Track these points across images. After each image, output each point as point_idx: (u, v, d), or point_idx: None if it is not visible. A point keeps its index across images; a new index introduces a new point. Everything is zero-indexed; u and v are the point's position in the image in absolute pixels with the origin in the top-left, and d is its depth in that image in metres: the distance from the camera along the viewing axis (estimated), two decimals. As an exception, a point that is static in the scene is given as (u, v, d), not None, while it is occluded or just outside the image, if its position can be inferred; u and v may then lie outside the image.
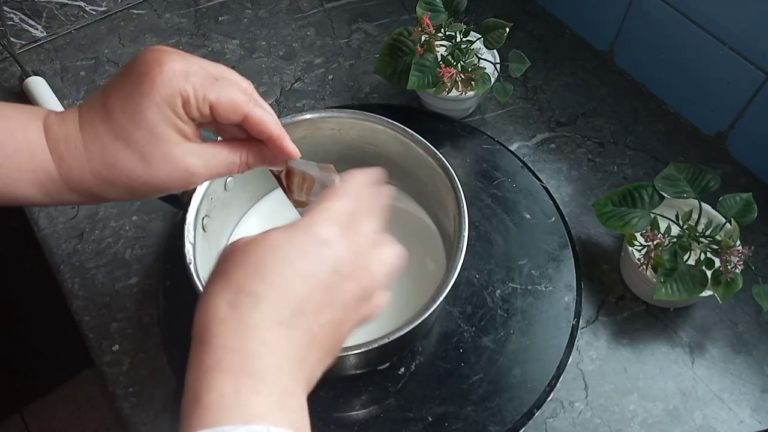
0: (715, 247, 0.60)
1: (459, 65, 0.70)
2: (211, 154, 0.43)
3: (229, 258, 0.37)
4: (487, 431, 0.57)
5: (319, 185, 0.46)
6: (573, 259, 0.67)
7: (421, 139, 0.61)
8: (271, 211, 0.68)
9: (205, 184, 0.58)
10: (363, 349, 0.50)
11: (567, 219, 0.70)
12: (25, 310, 1.18)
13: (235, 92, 0.42)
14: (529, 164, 0.74)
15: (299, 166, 0.47)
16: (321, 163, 0.45)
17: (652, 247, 0.60)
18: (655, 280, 0.60)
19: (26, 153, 0.41)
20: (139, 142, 0.40)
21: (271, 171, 0.49)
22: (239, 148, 0.44)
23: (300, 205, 0.49)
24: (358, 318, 0.39)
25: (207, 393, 0.32)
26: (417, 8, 0.72)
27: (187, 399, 0.33)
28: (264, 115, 0.43)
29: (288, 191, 0.49)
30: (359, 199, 0.40)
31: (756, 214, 0.62)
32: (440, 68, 0.69)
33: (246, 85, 0.44)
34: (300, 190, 0.48)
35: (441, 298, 0.52)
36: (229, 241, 0.66)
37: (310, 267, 0.36)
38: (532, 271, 0.66)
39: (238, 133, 0.45)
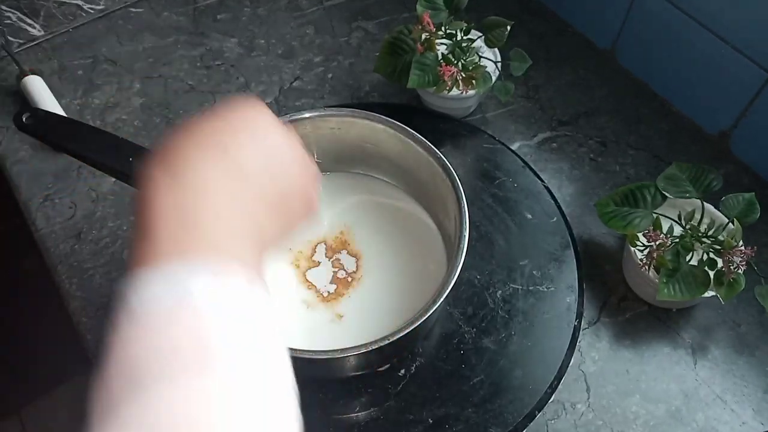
0: (718, 247, 0.60)
1: (460, 64, 0.70)
2: None
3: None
4: (488, 433, 0.57)
5: None
6: (575, 260, 0.66)
7: (422, 138, 0.60)
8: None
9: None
10: (362, 351, 0.50)
11: (569, 219, 0.69)
12: (22, 310, 1.17)
13: None
14: (530, 164, 0.73)
15: None
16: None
17: (654, 247, 0.60)
18: (657, 280, 0.60)
19: None
20: None
21: None
22: None
23: None
24: (301, 199, 0.40)
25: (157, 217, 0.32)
26: (417, 6, 0.71)
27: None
28: None
29: None
30: None
31: (759, 214, 0.62)
32: (441, 67, 0.68)
33: None
34: None
35: (442, 299, 0.52)
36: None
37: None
38: (534, 272, 0.66)
39: None
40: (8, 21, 0.84)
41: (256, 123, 0.38)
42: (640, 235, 0.62)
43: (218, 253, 0.32)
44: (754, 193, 0.63)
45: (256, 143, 0.37)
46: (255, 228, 0.36)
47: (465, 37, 0.71)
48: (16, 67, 0.82)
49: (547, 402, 0.59)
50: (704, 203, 0.63)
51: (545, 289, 0.65)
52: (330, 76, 0.83)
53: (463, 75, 0.70)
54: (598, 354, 0.63)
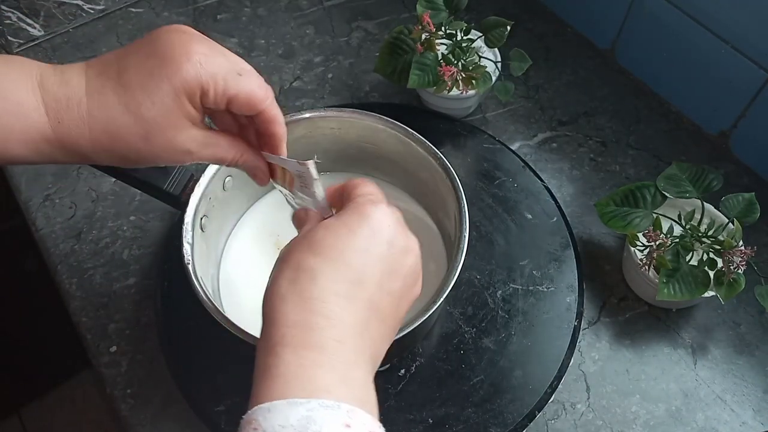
0: (718, 247, 0.60)
1: (460, 64, 0.70)
2: (210, 143, 0.44)
3: (291, 246, 0.40)
4: (488, 433, 0.57)
5: (298, 180, 0.47)
6: (575, 260, 0.66)
7: (422, 138, 0.60)
8: (270, 211, 0.68)
9: (204, 183, 0.58)
10: (363, 351, 0.50)
11: (569, 219, 0.69)
12: (22, 310, 1.17)
13: (255, 88, 0.43)
14: (530, 164, 0.73)
15: (279, 162, 0.48)
16: (304, 160, 0.46)
17: (654, 247, 0.60)
18: (657, 280, 0.60)
19: (19, 113, 0.40)
20: (149, 121, 0.41)
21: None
22: (238, 147, 0.46)
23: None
24: (413, 296, 0.41)
25: (274, 366, 0.34)
26: (417, 6, 0.71)
27: (257, 372, 0.35)
28: (278, 115, 0.45)
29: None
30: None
31: (759, 214, 0.62)
32: (441, 67, 0.68)
33: (265, 85, 0.46)
34: (283, 182, 0.50)
35: (442, 299, 0.52)
36: (228, 242, 0.66)
37: (364, 241, 0.39)
38: (534, 272, 0.66)
39: (231, 126, 0.47)
40: (8, 21, 0.85)
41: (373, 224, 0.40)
42: (640, 235, 0.62)
43: (349, 387, 0.34)
44: (754, 193, 0.63)
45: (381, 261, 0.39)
46: (375, 353, 0.38)
47: (465, 37, 0.71)
48: (16, 67, 0.82)
49: (547, 402, 0.59)
50: (704, 203, 0.63)
51: (545, 289, 0.65)
52: (330, 76, 0.84)
53: (463, 75, 0.70)
54: (598, 354, 0.63)
